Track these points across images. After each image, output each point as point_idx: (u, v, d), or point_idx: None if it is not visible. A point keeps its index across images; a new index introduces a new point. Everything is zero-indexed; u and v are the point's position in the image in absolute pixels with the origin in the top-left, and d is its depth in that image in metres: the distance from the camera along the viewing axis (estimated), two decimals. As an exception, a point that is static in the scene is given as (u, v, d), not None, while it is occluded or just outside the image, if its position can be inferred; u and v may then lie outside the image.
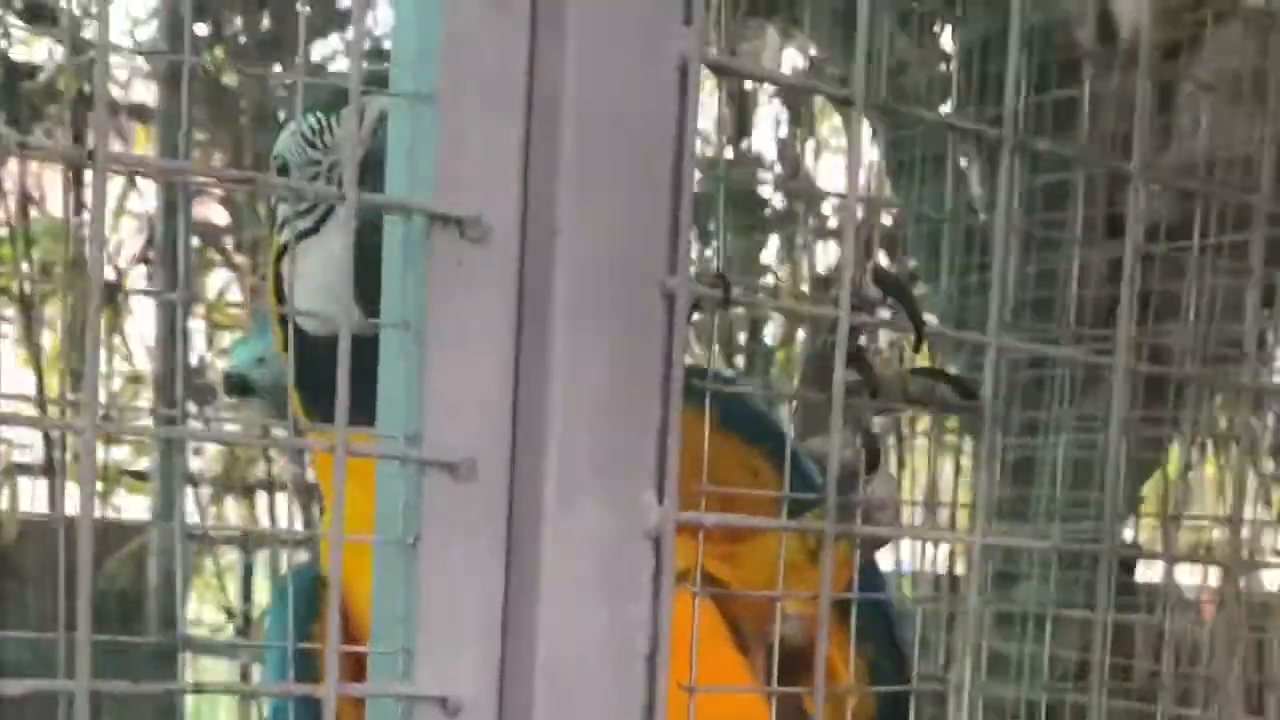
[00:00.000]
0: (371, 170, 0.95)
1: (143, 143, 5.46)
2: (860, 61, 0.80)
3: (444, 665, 0.76)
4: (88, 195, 5.06)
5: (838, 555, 0.94)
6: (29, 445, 4.65)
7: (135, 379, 4.53)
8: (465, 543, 0.76)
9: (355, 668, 1.04)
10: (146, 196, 4.82)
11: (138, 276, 4.82)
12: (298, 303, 1.19)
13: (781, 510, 0.98)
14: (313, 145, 1.17)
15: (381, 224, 1.00)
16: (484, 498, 0.76)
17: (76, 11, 4.84)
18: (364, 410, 0.89)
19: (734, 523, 0.84)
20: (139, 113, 5.39)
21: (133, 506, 4.88)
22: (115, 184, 5.06)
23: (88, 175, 4.46)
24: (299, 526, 4.93)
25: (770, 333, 4.63)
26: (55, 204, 4.99)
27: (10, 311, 4.62)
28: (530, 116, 0.76)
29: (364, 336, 0.97)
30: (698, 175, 0.79)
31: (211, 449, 4.79)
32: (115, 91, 5.01)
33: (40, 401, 4.64)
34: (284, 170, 1.18)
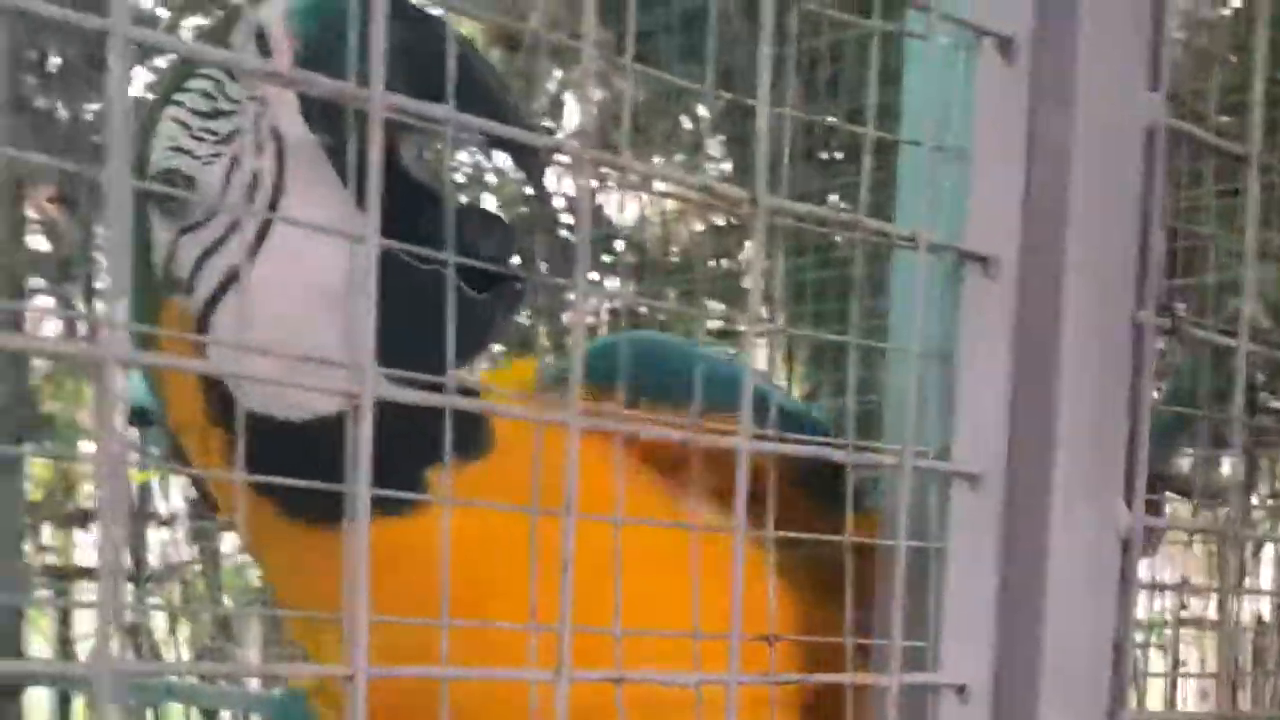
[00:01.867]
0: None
1: (-57, 168, 5.24)
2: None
3: (960, 656, 0.85)
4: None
5: None
6: None
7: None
8: (978, 545, 0.85)
9: None
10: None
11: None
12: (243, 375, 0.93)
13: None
14: (210, 116, 0.93)
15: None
16: (990, 505, 0.86)
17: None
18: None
19: (1166, 526, 0.95)
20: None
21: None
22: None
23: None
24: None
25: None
26: None
27: None
28: (1030, 166, 0.86)
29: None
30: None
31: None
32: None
33: None
34: (172, 179, 0.92)
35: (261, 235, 0.90)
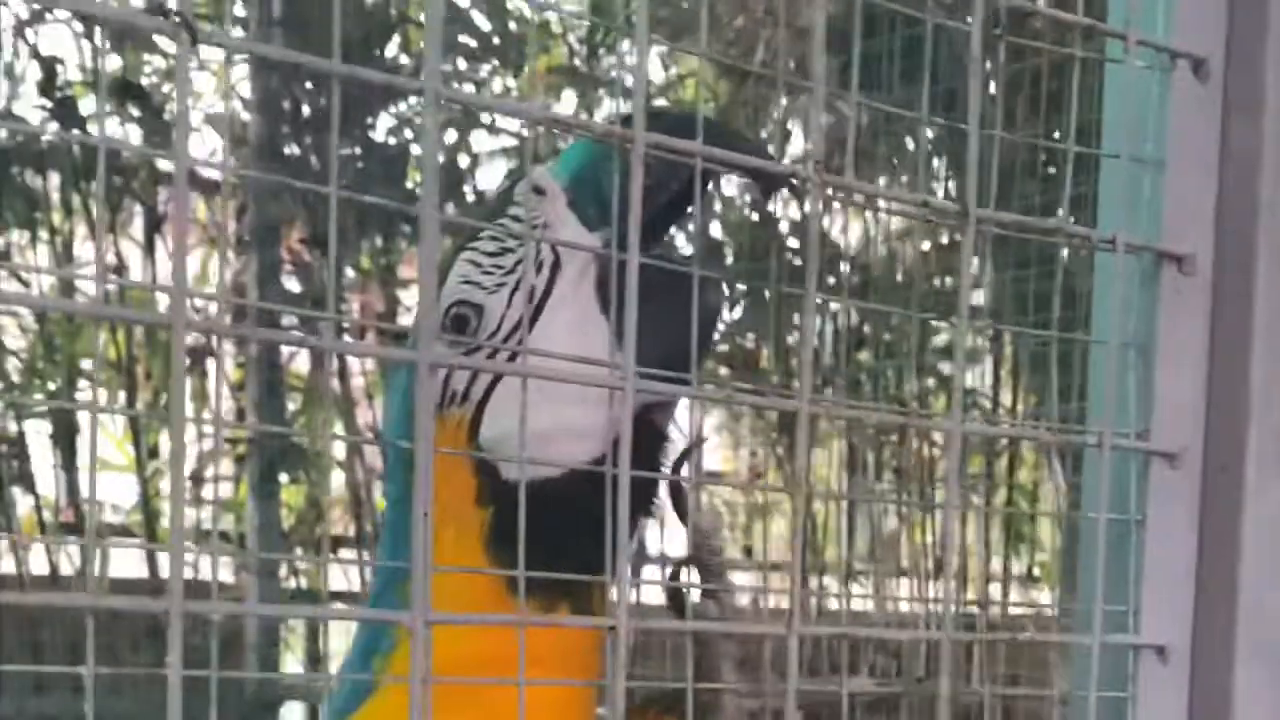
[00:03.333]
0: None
1: (203, 216, 5.60)
2: None
3: (1160, 620, 0.94)
4: (161, 266, 5.18)
5: None
6: (121, 507, 4.77)
7: (231, 441, 4.65)
8: (1175, 518, 0.94)
9: None
10: (232, 264, 4.95)
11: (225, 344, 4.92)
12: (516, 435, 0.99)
13: None
14: (497, 254, 1.11)
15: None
16: (1187, 481, 0.94)
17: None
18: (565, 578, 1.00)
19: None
20: (208, 187, 5.53)
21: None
22: (198, 252, 5.21)
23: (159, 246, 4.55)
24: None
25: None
26: (135, 273, 5.12)
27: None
28: (1224, 172, 0.94)
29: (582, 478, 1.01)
30: None
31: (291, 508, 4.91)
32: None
33: (139, 460, 4.76)
34: (464, 308, 1.09)
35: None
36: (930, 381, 5.37)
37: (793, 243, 5.59)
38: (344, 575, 4.88)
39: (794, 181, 0.78)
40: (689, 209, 1.03)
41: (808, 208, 0.76)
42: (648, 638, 0.84)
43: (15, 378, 4.61)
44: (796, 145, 5.37)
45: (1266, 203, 0.93)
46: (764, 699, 0.96)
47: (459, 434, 1.08)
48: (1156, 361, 0.93)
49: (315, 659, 4.83)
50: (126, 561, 4.65)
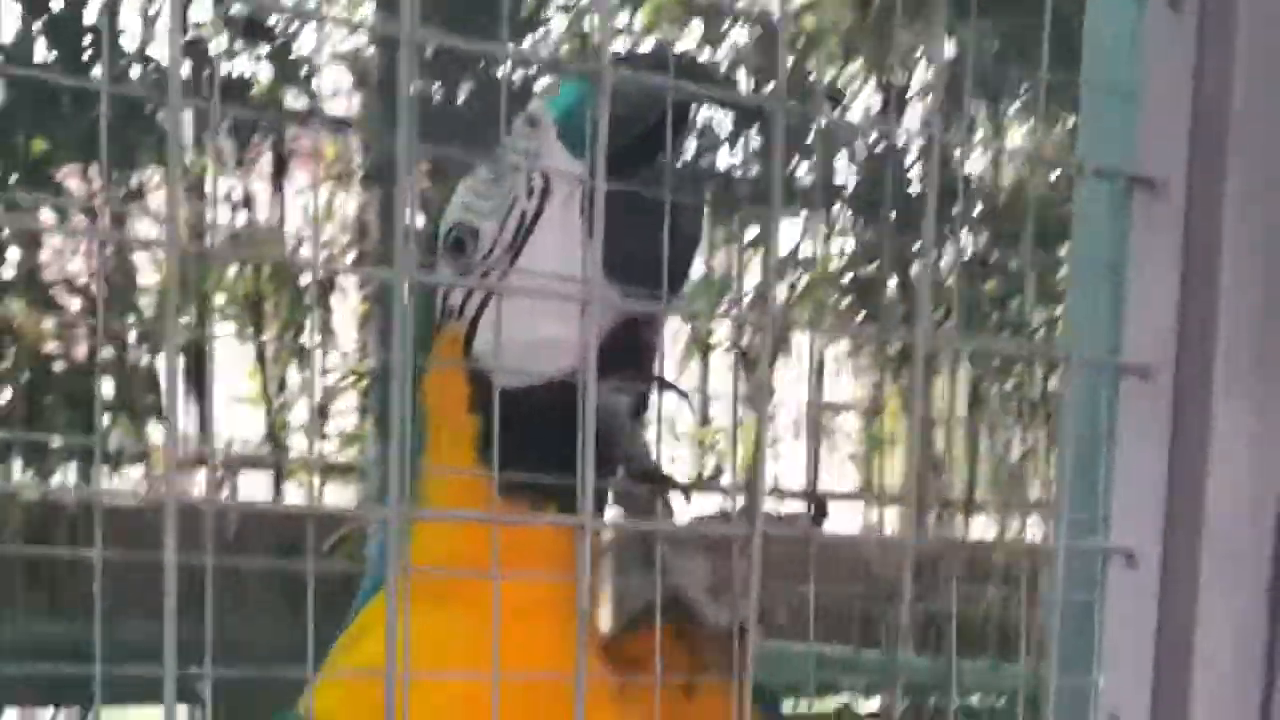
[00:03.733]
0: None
1: (332, 155, 5.75)
2: None
3: (1129, 527, 0.99)
4: (290, 200, 5.35)
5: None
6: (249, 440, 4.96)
7: (355, 374, 4.81)
8: (1146, 430, 0.98)
9: None
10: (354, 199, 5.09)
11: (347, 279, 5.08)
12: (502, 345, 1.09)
13: None
14: (494, 182, 1.18)
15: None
16: (1158, 394, 0.98)
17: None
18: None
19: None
20: (336, 125, 5.68)
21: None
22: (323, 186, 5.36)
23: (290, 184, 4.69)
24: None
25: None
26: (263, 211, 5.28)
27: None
28: (1197, 100, 0.98)
29: (562, 387, 1.09)
30: None
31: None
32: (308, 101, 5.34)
33: (265, 395, 4.94)
34: (461, 231, 1.16)
35: (516, 253, 1.16)
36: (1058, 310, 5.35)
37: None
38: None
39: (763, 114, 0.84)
40: (678, 140, 1.09)
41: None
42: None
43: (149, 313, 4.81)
44: (918, 76, 5.37)
45: (1237, 131, 0.97)
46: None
47: (455, 347, 1.17)
48: (1129, 283, 0.98)
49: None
50: (256, 489, 4.85)
